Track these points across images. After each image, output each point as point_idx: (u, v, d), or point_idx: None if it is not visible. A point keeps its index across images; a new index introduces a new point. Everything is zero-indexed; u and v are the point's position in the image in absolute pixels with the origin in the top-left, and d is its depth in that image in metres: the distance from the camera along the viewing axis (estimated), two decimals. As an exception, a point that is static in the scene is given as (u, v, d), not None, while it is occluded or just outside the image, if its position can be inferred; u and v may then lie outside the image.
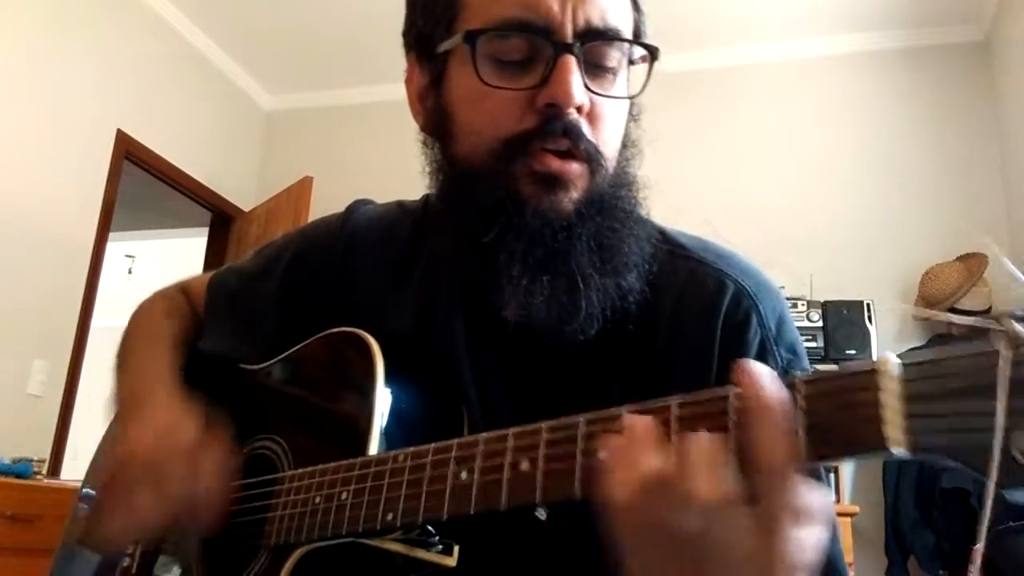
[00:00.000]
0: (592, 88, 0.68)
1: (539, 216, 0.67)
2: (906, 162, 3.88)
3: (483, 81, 0.67)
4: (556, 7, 0.66)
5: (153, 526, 0.74)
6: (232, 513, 0.78)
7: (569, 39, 0.66)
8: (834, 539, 0.67)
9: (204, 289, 0.98)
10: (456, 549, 0.66)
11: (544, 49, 0.67)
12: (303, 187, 4.21)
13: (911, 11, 3.88)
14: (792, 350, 0.72)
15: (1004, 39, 3.71)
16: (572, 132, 0.67)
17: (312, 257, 0.90)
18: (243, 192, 4.76)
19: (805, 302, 3.55)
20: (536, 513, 0.66)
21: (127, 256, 6.76)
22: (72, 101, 3.66)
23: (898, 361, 0.43)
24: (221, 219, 4.74)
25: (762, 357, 0.69)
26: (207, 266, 4.64)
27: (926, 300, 3.52)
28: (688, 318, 0.71)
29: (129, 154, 3.97)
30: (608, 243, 0.69)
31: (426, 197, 0.87)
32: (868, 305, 3.53)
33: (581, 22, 0.67)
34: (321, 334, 0.81)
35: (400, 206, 0.91)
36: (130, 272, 6.84)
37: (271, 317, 0.90)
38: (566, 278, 0.67)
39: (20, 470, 2.89)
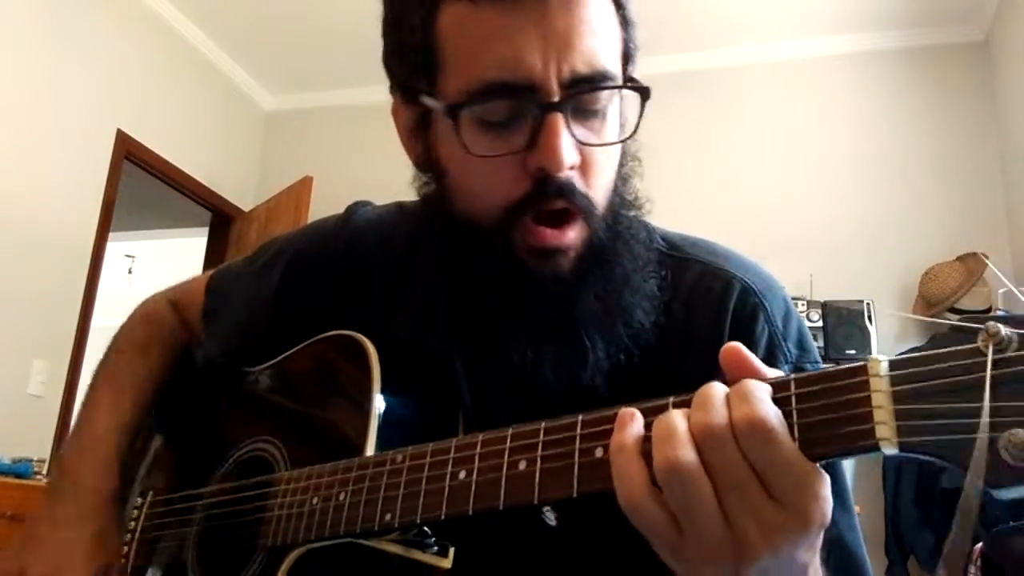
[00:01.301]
0: (582, 140, 0.65)
1: (540, 284, 0.67)
2: (906, 162, 3.88)
3: (470, 152, 0.65)
4: (539, 63, 0.63)
5: None
6: (229, 514, 0.78)
7: (555, 95, 0.63)
8: (851, 524, 0.67)
9: (201, 292, 0.98)
10: (452, 551, 0.66)
11: (530, 107, 0.64)
12: (303, 187, 4.21)
13: (911, 11, 3.88)
14: (800, 344, 0.72)
15: (1004, 39, 3.71)
16: (567, 192, 0.65)
17: (310, 259, 0.89)
18: (243, 192, 4.76)
19: (805, 302, 3.55)
20: (545, 518, 0.66)
21: (127, 256, 6.76)
22: (72, 101, 3.66)
23: (887, 361, 0.44)
24: (221, 219, 4.74)
25: (771, 353, 0.69)
26: (207, 266, 4.64)
27: (926, 300, 3.52)
28: (698, 325, 0.71)
29: (129, 154, 3.97)
30: (611, 288, 0.68)
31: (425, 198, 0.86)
32: (868, 305, 3.53)
33: (566, 73, 0.63)
34: (318, 337, 0.81)
35: (400, 208, 0.90)
36: (130, 272, 6.84)
37: (269, 319, 0.90)
38: (572, 341, 0.67)
39: (20, 470, 2.90)
